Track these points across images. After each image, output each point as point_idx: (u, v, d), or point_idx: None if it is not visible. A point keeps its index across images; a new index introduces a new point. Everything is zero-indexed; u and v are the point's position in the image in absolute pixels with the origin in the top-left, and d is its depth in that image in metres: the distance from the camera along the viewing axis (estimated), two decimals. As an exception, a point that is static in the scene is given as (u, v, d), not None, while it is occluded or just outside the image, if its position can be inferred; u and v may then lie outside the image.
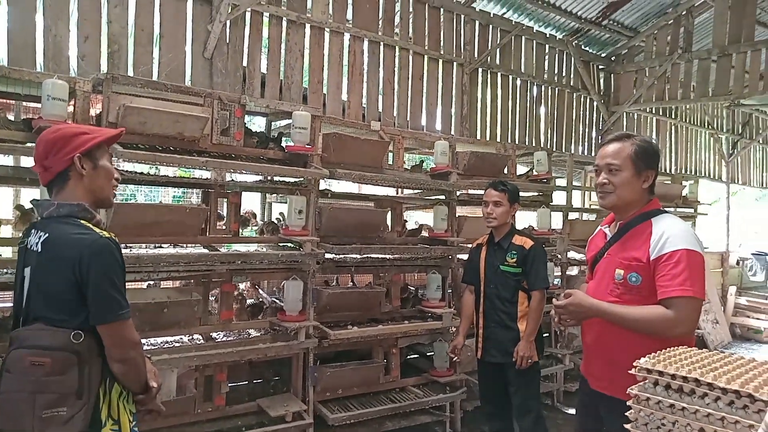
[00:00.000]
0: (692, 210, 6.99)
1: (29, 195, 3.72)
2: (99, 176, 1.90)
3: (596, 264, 2.34)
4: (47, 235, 1.79)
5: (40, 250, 1.79)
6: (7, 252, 3.40)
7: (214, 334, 3.61)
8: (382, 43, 5.99)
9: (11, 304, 3.51)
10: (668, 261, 2.04)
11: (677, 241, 2.05)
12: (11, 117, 3.52)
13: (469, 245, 3.95)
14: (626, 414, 1.74)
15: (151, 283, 3.67)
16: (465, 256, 4.01)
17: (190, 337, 3.52)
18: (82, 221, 1.82)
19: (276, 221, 4.68)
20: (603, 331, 2.25)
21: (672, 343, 1.88)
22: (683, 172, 9.92)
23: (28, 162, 3.38)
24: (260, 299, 4.16)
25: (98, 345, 1.78)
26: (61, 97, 2.85)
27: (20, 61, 3.87)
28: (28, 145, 2.94)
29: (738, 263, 10.01)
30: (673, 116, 9.87)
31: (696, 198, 7.07)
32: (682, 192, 6.75)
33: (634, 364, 1.74)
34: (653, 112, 9.30)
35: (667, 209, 2.33)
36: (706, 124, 10.57)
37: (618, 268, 2.17)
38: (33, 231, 1.86)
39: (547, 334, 5.26)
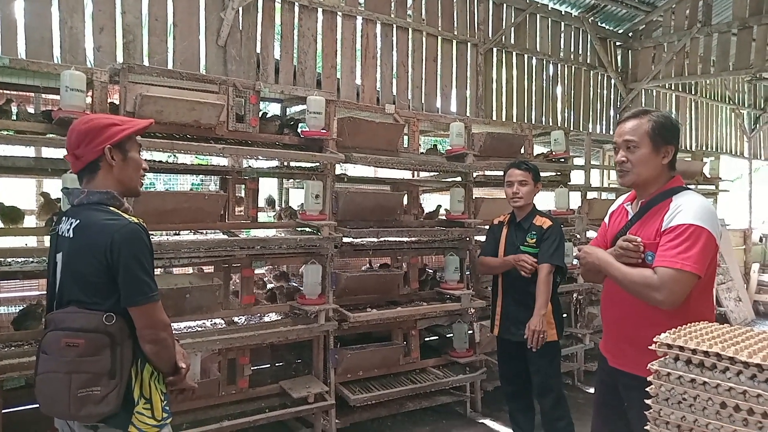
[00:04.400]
0: (714, 187, 6.89)
1: (51, 186, 3.78)
2: (128, 167, 1.95)
3: (615, 241, 2.33)
4: (78, 221, 1.86)
5: (72, 236, 1.85)
6: (32, 241, 3.47)
7: (235, 318, 3.66)
8: (394, 26, 5.94)
9: (38, 292, 3.63)
10: (672, 232, 2.04)
11: (688, 215, 2.04)
12: (31, 109, 3.58)
13: (487, 227, 3.94)
14: (646, 390, 1.75)
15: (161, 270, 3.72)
16: (482, 238, 4.00)
17: (213, 322, 3.58)
18: (111, 208, 1.89)
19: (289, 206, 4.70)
20: (622, 309, 2.25)
21: (692, 321, 1.87)
22: (704, 148, 9.75)
23: (49, 153, 3.44)
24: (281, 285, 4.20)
25: (129, 327, 1.84)
26: (79, 88, 2.89)
27: (38, 55, 3.91)
28: (49, 136, 2.99)
29: (761, 240, 9.85)
30: (692, 92, 9.68)
31: (717, 175, 6.97)
32: (703, 169, 6.65)
33: (654, 339, 1.74)
34: (672, 88, 9.13)
35: (689, 186, 2.30)
36: (726, 99, 10.35)
37: None
38: (64, 218, 1.93)
39: (566, 315, 5.25)
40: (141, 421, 1.84)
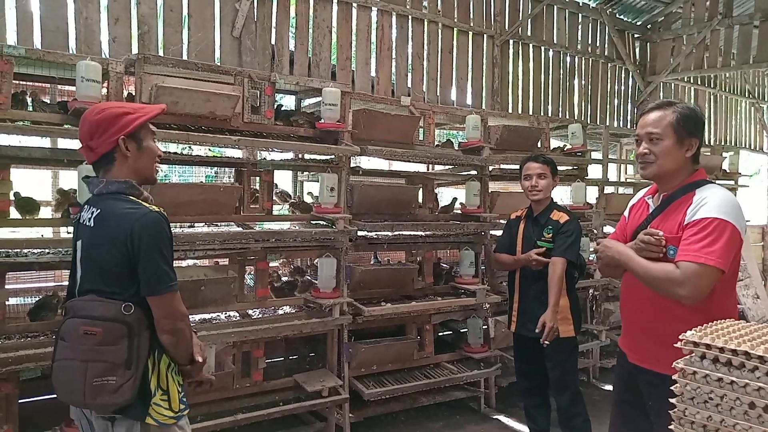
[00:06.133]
0: (733, 182, 6.77)
1: (67, 177, 3.79)
2: (143, 156, 1.93)
3: (636, 234, 2.27)
4: (99, 210, 1.86)
5: (92, 225, 1.86)
6: (48, 232, 3.48)
7: (250, 311, 3.65)
8: (410, 17, 5.89)
9: (54, 283, 3.64)
10: (695, 226, 2.00)
11: (712, 208, 2.00)
12: (47, 100, 3.58)
13: (503, 221, 3.90)
14: (671, 388, 1.70)
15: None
16: (498, 233, 3.96)
17: (227, 315, 3.57)
18: (130, 197, 1.88)
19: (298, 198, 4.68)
20: (642, 304, 2.21)
21: (714, 317, 1.82)
22: (723, 143, 9.60)
23: (65, 144, 3.44)
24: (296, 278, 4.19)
25: (147, 317, 1.83)
26: (94, 79, 2.88)
27: (53, 46, 3.92)
28: (66, 127, 2.98)
29: (779, 236, 9.70)
30: (712, 85, 9.52)
31: (737, 169, 6.84)
32: (723, 164, 6.54)
33: (680, 337, 1.69)
34: (691, 81, 8.98)
35: (713, 180, 2.25)
36: (746, 92, 10.17)
37: None
38: (86, 207, 1.93)
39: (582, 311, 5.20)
40: (158, 412, 1.84)
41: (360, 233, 3.88)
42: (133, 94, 3.17)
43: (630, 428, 2.33)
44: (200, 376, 2.03)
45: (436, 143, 4.54)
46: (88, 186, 1.96)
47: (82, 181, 2.02)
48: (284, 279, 4.19)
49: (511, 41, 6.82)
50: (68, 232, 3.19)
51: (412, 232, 4.23)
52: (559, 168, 5.14)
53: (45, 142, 3.48)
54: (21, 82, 3.32)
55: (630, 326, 2.34)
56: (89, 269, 1.87)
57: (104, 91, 3.08)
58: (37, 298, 3.26)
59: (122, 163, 1.89)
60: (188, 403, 1.97)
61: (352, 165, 3.97)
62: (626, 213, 2.46)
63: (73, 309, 1.83)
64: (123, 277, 1.81)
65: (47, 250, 3.08)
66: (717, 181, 6.63)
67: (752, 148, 10.55)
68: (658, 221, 2.18)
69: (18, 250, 3.00)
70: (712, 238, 1.96)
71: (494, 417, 4.29)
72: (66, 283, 3.60)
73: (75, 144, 3.43)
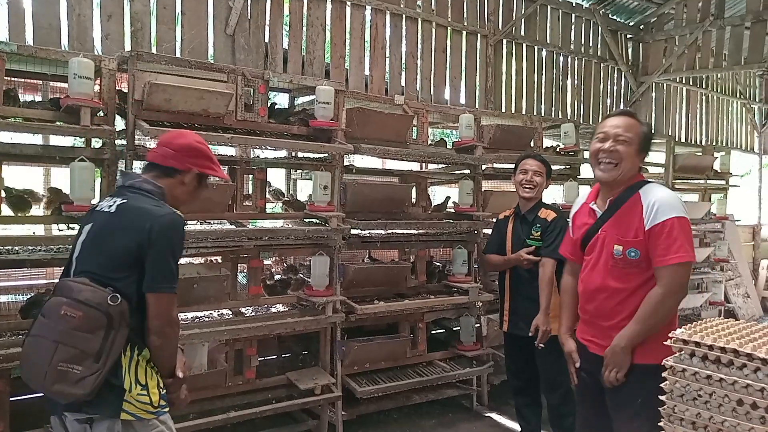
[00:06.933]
0: (723, 182, 6.81)
1: (59, 174, 3.77)
2: (190, 194, 2.09)
3: (587, 241, 2.35)
4: (125, 201, 1.92)
5: (113, 210, 1.90)
6: (40, 230, 3.46)
7: (243, 309, 3.65)
8: (404, 16, 5.89)
9: (45, 281, 3.62)
10: (661, 231, 2.12)
11: (667, 209, 2.13)
12: (38, 97, 3.57)
13: (495, 220, 3.91)
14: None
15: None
16: (491, 231, 3.97)
17: (220, 312, 3.57)
18: (154, 197, 1.96)
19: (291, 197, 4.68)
20: (604, 300, 2.28)
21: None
22: (714, 143, 9.66)
23: (57, 141, 3.42)
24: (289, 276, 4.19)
25: (130, 315, 1.83)
26: (87, 76, 2.87)
27: (46, 42, 3.89)
28: (58, 124, 2.97)
29: (771, 236, 9.79)
30: (703, 86, 9.58)
31: (728, 170, 6.88)
32: (713, 164, 6.58)
33: (670, 335, 1.71)
34: (683, 82, 9.04)
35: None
36: (737, 93, 10.25)
37: (617, 245, 2.21)
38: (108, 197, 2.00)
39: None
40: (135, 406, 1.83)
41: (353, 231, 3.89)
42: (125, 91, 3.16)
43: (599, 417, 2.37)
44: (178, 392, 2.02)
45: (429, 142, 4.55)
46: (123, 177, 2.04)
47: (119, 173, 2.15)
48: (277, 277, 4.19)
49: (504, 41, 6.84)
50: (60, 230, 3.18)
51: (406, 231, 4.24)
52: (552, 167, 5.21)
53: (37, 139, 3.46)
54: (13, 79, 3.30)
55: (592, 321, 2.37)
56: (91, 251, 1.88)
57: (97, 88, 3.07)
58: (29, 296, 3.24)
59: (175, 183, 2.01)
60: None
61: (345, 163, 3.97)
62: (570, 223, 2.54)
63: (61, 288, 1.83)
64: (124, 266, 1.83)
65: (39, 248, 3.06)
66: (708, 181, 6.63)
67: (743, 148, 10.64)
68: (611, 224, 2.26)
69: (9, 248, 2.98)
70: (680, 237, 2.11)
71: (486, 415, 4.31)
72: (57, 280, 3.59)
73: (67, 141, 3.43)
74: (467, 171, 4.57)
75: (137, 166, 3.06)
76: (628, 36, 8.40)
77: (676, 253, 2.09)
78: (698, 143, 9.09)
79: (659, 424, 1.74)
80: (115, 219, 1.88)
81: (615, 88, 8.36)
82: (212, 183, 3.73)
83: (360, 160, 4.43)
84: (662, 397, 1.71)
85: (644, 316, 2.12)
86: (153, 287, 1.85)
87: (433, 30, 6.18)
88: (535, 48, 7.23)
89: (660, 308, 2.12)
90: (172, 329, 1.92)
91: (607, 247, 2.25)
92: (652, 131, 2.32)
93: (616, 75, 8.34)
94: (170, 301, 1.89)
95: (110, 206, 1.91)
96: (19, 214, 3.11)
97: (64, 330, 1.73)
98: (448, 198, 4.76)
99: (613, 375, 2.15)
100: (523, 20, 6.99)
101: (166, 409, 1.93)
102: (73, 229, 3.08)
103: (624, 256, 2.19)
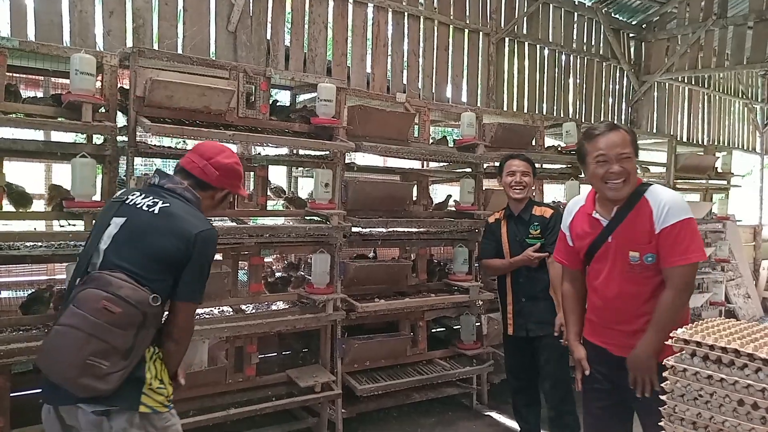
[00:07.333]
0: (725, 182, 6.81)
1: (60, 170, 3.77)
2: (215, 207, 2.16)
3: (594, 251, 2.34)
4: (168, 204, 1.93)
5: (156, 212, 1.91)
6: (41, 225, 3.46)
7: (243, 306, 3.65)
8: (406, 14, 5.89)
9: (46, 277, 3.63)
10: (671, 232, 2.15)
11: (677, 211, 2.16)
12: (40, 93, 3.56)
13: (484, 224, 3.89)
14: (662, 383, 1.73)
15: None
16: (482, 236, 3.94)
17: (220, 309, 3.57)
18: (197, 208, 2.01)
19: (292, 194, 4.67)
20: (624, 306, 2.28)
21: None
22: (716, 143, 9.65)
23: (58, 137, 3.42)
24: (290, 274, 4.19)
25: (160, 316, 1.89)
26: (89, 72, 2.87)
27: (47, 38, 3.88)
28: (59, 120, 2.97)
29: (772, 236, 9.78)
30: (705, 86, 9.56)
31: (729, 170, 6.88)
32: (715, 164, 6.58)
33: (671, 335, 1.71)
34: (685, 81, 9.02)
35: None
36: (740, 93, 10.23)
37: (632, 251, 2.22)
38: (138, 193, 1.99)
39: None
40: (152, 398, 1.85)
41: (354, 229, 3.89)
42: (127, 87, 3.15)
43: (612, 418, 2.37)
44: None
45: (431, 140, 4.55)
46: (158, 176, 2.05)
47: (155, 171, 2.14)
48: (278, 274, 4.19)
49: (506, 39, 6.83)
50: (61, 226, 3.18)
51: (407, 229, 4.24)
52: (553, 166, 5.21)
53: (38, 135, 3.46)
54: (14, 75, 3.30)
55: (611, 325, 2.35)
56: (129, 249, 1.86)
57: (98, 84, 3.07)
58: (30, 292, 3.25)
59: (207, 197, 2.08)
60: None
61: (346, 161, 3.96)
62: (566, 230, 2.50)
63: (98, 280, 1.78)
64: (162, 269, 1.86)
65: (40, 244, 3.06)
66: (710, 181, 6.61)
67: (745, 148, 10.62)
68: (623, 231, 2.26)
69: (10, 243, 2.98)
70: (690, 238, 2.16)
71: (486, 413, 4.31)
72: (58, 276, 3.59)
73: (69, 137, 3.42)
74: (469, 169, 4.56)
75: (139, 162, 3.06)
76: (631, 35, 8.38)
77: (691, 254, 2.13)
78: (700, 143, 9.07)
79: (659, 423, 1.74)
80: (158, 221, 1.88)
81: (617, 87, 8.35)
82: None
83: (361, 158, 4.43)
84: (663, 397, 1.71)
85: (661, 322, 2.13)
86: (187, 296, 1.92)
87: (435, 28, 6.17)
88: (537, 46, 7.21)
89: (674, 310, 2.16)
90: (188, 336, 2.00)
91: (620, 254, 2.26)
92: (634, 132, 2.34)
93: (618, 74, 8.33)
94: (195, 310, 2.01)
95: (151, 206, 1.91)
96: (21, 210, 3.10)
97: (101, 324, 1.71)
98: (449, 197, 4.76)
99: (648, 384, 2.15)
100: (525, 19, 6.98)
101: (172, 406, 1.96)
102: (74, 225, 3.08)
103: (641, 262, 2.21)
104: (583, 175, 5.22)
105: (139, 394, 1.82)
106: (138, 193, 1.99)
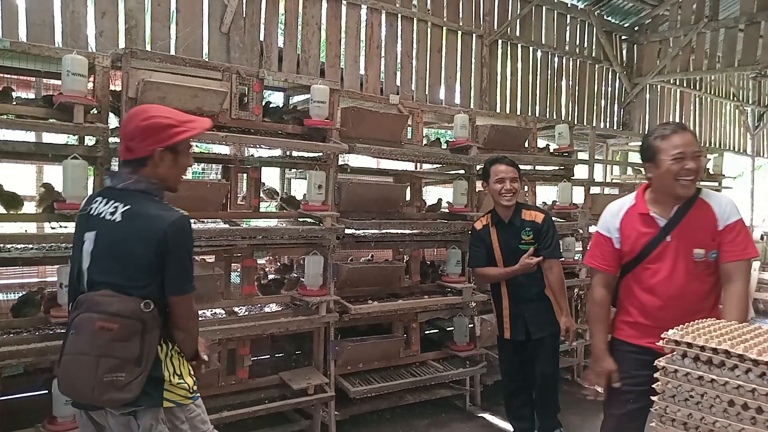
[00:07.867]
0: (716, 184, 6.85)
1: (52, 171, 3.75)
2: (174, 168, 1.99)
3: (651, 250, 2.37)
4: (129, 207, 1.87)
5: (119, 219, 1.86)
6: (32, 227, 3.44)
7: (236, 309, 3.64)
8: (399, 15, 5.90)
9: (37, 279, 3.61)
10: (732, 230, 2.30)
11: (735, 211, 2.33)
12: (32, 94, 3.54)
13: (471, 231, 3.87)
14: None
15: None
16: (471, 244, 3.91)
17: (213, 312, 3.56)
18: (156, 198, 1.94)
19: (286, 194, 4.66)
20: (688, 304, 2.33)
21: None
22: (707, 145, 9.71)
23: (50, 138, 3.40)
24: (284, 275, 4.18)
25: (159, 315, 1.88)
26: (80, 73, 2.85)
27: (39, 39, 3.87)
28: (50, 121, 2.95)
29: (762, 238, 9.81)
30: (697, 88, 9.63)
31: (720, 171, 6.93)
32: (707, 165, 6.62)
33: (662, 336, 1.72)
34: (677, 83, 9.08)
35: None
36: (731, 95, 10.31)
37: (697, 248, 2.32)
38: (99, 199, 1.94)
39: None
40: (175, 392, 1.89)
41: (347, 231, 3.88)
42: (119, 89, 3.14)
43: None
44: (198, 374, 2.11)
45: (424, 142, 4.55)
46: (110, 179, 2.00)
47: (105, 174, 2.05)
48: (271, 276, 4.18)
49: (499, 41, 6.85)
50: (52, 228, 3.16)
51: (400, 231, 4.24)
52: (546, 168, 5.23)
53: (30, 136, 3.44)
54: (6, 76, 3.28)
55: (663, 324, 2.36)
56: (108, 262, 1.86)
57: (90, 85, 3.05)
58: (21, 294, 3.23)
59: (153, 168, 1.93)
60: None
61: (340, 163, 3.96)
62: (614, 233, 2.46)
63: (88, 303, 1.81)
64: (147, 273, 1.84)
65: (31, 246, 3.04)
66: (701, 183, 6.69)
67: (736, 150, 10.69)
68: (685, 229, 2.34)
69: (1, 246, 2.96)
70: (747, 236, 2.34)
71: (479, 415, 4.31)
72: (50, 279, 3.56)
73: (60, 138, 3.41)
74: (462, 171, 4.57)
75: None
76: (623, 37, 8.43)
77: (750, 249, 2.31)
78: (692, 145, 9.10)
79: (650, 424, 1.74)
80: (124, 228, 1.85)
81: (609, 89, 8.39)
82: (206, 181, 3.73)
83: (355, 160, 4.43)
84: (654, 398, 1.72)
85: (743, 313, 2.26)
86: (177, 290, 1.90)
87: (429, 30, 6.19)
88: (530, 49, 7.25)
89: (747, 300, 2.32)
90: (194, 322, 2.02)
91: (682, 252, 2.33)
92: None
93: (610, 76, 8.37)
94: (191, 298, 1.97)
95: (113, 213, 1.87)
96: (11, 212, 3.08)
97: (103, 343, 1.75)
98: (440, 200, 4.77)
99: None
100: (518, 21, 7.00)
101: (199, 394, 2.00)
102: (65, 227, 3.07)
103: (706, 259, 2.32)
104: (575, 177, 5.25)
105: (161, 391, 1.86)
106: (100, 199, 1.93)
